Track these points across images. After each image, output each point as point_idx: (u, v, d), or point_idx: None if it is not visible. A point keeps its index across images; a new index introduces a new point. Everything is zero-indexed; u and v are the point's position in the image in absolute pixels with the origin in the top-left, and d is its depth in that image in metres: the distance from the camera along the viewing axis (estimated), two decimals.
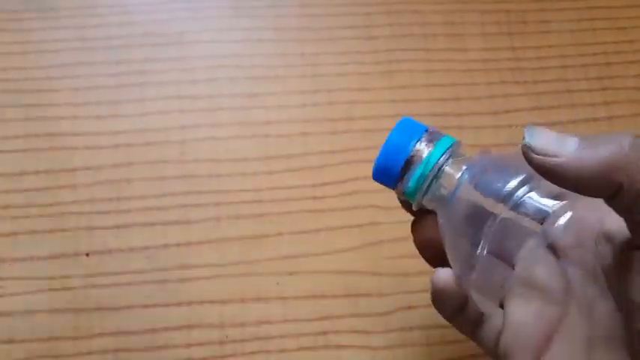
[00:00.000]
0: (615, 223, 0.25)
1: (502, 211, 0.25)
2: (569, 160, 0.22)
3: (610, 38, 0.48)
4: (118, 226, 0.40)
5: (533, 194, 0.25)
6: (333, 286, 0.40)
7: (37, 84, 0.44)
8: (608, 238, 0.25)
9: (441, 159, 0.27)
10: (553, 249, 0.28)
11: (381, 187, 0.29)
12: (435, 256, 0.29)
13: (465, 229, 0.26)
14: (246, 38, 0.46)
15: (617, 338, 0.24)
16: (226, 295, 0.39)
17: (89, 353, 0.37)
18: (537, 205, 0.25)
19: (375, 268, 0.40)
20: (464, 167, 0.27)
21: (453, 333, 0.32)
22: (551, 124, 0.45)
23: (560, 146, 0.22)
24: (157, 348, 0.38)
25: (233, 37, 0.46)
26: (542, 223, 0.25)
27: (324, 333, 0.39)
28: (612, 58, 0.47)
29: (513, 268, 0.27)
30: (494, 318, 0.28)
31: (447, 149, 0.27)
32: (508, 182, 0.25)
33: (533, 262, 0.27)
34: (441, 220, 0.27)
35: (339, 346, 0.38)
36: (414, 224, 0.30)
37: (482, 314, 0.28)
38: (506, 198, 0.25)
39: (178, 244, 0.40)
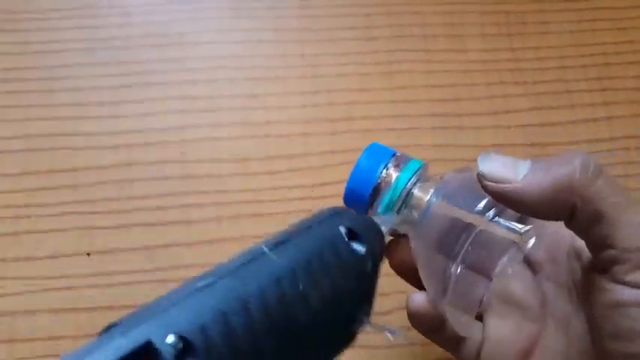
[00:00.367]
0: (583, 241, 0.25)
1: (479, 224, 0.25)
2: (522, 186, 0.22)
3: (609, 39, 0.48)
4: (118, 226, 0.40)
5: (499, 219, 0.25)
6: None
7: (37, 84, 0.44)
8: (577, 254, 0.25)
9: (409, 183, 0.27)
10: (528, 263, 0.28)
11: None
12: (414, 276, 0.29)
13: (437, 248, 0.26)
14: (246, 39, 0.46)
15: (593, 353, 0.24)
16: None
17: None
18: (508, 224, 0.25)
19: None
20: (432, 190, 0.27)
21: None
22: (550, 125, 0.45)
23: (512, 172, 0.22)
24: None
25: (233, 38, 0.46)
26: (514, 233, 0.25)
27: None
28: (612, 58, 0.47)
29: (490, 279, 0.26)
30: (474, 334, 0.28)
31: (414, 173, 0.28)
32: (476, 202, 0.25)
33: (509, 277, 0.27)
34: (413, 242, 0.27)
35: None
36: (387, 248, 0.30)
37: None
38: (478, 215, 0.25)
39: (178, 244, 0.40)
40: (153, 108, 0.43)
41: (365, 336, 0.38)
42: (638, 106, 0.46)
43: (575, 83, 0.46)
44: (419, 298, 0.27)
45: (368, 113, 0.44)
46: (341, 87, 0.45)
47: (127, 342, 0.15)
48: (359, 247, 0.22)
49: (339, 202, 0.42)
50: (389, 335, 0.24)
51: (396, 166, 0.28)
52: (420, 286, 0.28)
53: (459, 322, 0.26)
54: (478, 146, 0.44)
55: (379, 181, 0.27)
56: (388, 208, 0.27)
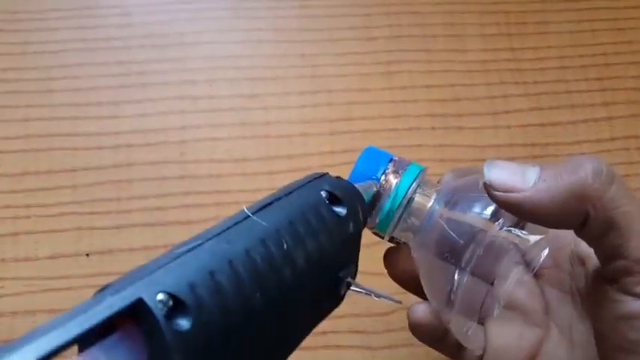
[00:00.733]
0: (588, 246, 0.24)
1: (488, 232, 0.24)
2: (532, 194, 0.21)
3: (609, 39, 0.48)
4: (118, 227, 0.40)
5: (511, 228, 0.24)
6: None
7: (37, 85, 0.44)
8: (581, 260, 0.25)
9: (409, 190, 0.26)
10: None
11: None
12: (414, 285, 0.28)
13: (441, 257, 0.25)
14: (246, 39, 0.46)
15: (597, 358, 0.23)
16: None
17: None
18: (518, 235, 0.24)
19: (375, 268, 0.40)
20: (434, 196, 0.26)
21: None
22: (550, 125, 0.45)
23: (521, 179, 0.21)
24: None
25: (233, 38, 0.46)
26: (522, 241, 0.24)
27: (324, 333, 0.38)
28: (611, 59, 0.47)
29: (491, 283, 0.26)
30: (478, 345, 0.27)
31: (415, 179, 0.26)
32: (481, 209, 0.24)
33: (512, 283, 0.26)
34: (414, 251, 0.26)
35: (338, 346, 0.38)
36: (386, 258, 0.29)
37: None
38: (485, 222, 0.24)
39: None
40: (152, 108, 0.43)
41: (366, 337, 0.38)
42: (638, 106, 0.46)
43: (575, 83, 0.46)
44: (421, 310, 0.27)
45: (367, 113, 0.44)
46: (340, 87, 0.45)
47: (118, 300, 0.15)
48: (340, 210, 0.22)
49: None
50: (375, 298, 0.24)
51: (395, 171, 0.26)
52: (420, 295, 0.28)
53: (463, 332, 0.26)
54: (478, 146, 0.44)
55: (377, 188, 0.26)
56: (388, 217, 0.26)
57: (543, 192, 0.21)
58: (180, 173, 0.42)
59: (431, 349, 0.29)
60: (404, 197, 0.26)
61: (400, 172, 0.26)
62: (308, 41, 0.46)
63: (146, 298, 0.15)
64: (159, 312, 0.15)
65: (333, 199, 0.22)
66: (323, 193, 0.22)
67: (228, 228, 0.19)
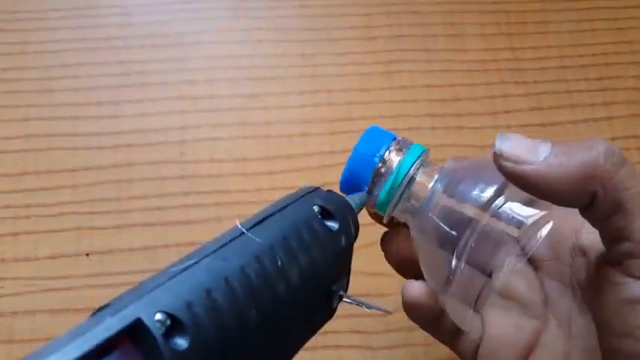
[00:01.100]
0: (590, 236, 0.24)
1: (481, 218, 0.23)
2: (541, 168, 0.21)
3: (609, 39, 0.48)
4: (118, 227, 0.40)
5: (509, 205, 0.23)
6: None
7: (37, 84, 0.44)
8: (582, 251, 0.25)
9: (412, 169, 0.25)
10: (530, 261, 0.27)
11: None
12: (411, 269, 0.28)
13: (441, 238, 0.25)
14: (246, 39, 0.46)
15: (596, 351, 0.23)
16: None
17: None
18: (515, 215, 0.24)
19: (375, 268, 0.40)
20: (436, 176, 0.26)
21: None
22: (550, 125, 0.45)
23: (532, 153, 0.21)
24: None
25: (233, 37, 0.46)
26: (519, 228, 0.24)
27: (324, 333, 0.38)
28: (611, 58, 0.47)
29: (489, 275, 0.25)
30: (474, 328, 0.27)
31: (418, 158, 0.26)
32: (483, 191, 0.24)
33: (511, 273, 0.26)
34: (413, 232, 0.26)
35: (338, 346, 0.38)
36: (383, 240, 0.28)
37: None
38: (483, 207, 0.24)
39: (178, 245, 0.40)
40: (152, 108, 0.43)
41: (366, 337, 0.38)
42: (638, 106, 0.46)
43: (575, 83, 0.46)
44: (416, 287, 0.26)
45: (367, 113, 0.44)
46: (340, 87, 0.45)
47: (117, 321, 0.15)
48: (332, 224, 0.23)
49: None
50: (365, 309, 0.24)
51: (398, 150, 0.26)
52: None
53: (460, 315, 0.26)
54: (478, 146, 0.44)
55: (381, 165, 0.26)
56: (390, 195, 0.26)
57: (554, 167, 0.21)
58: (180, 173, 0.42)
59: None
60: (406, 175, 0.25)
61: (404, 150, 0.26)
62: (308, 41, 0.46)
63: (144, 318, 0.15)
64: (157, 332, 0.15)
65: (326, 214, 0.23)
66: (315, 208, 0.22)
67: (223, 245, 0.19)
